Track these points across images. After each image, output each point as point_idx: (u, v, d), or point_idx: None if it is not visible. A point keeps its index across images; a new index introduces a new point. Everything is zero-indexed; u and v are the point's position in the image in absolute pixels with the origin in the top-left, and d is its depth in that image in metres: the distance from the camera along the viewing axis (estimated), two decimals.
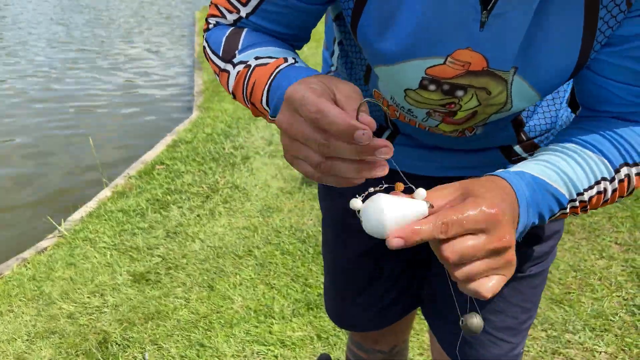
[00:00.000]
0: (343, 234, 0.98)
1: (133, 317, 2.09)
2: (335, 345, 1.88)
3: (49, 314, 2.15)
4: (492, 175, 0.57)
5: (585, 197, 0.60)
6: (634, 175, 0.62)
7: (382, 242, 0.49)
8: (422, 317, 1.01)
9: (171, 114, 5.33)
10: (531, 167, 0.59)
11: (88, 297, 2.24)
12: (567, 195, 0.60)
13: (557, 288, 2.14)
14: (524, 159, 0.80)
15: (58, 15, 12.44)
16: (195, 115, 4.65)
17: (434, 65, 0.60)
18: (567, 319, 1.97)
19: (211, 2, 0.72)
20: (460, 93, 0.63)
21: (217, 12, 0.71)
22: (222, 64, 0.69)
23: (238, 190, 3.12)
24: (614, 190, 0.62)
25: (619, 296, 2.09)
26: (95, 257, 2.53)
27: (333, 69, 0.86)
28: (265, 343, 1.91)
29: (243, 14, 0.68)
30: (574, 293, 2.11)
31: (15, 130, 4.85)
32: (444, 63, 0.60)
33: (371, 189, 0.54)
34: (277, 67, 0.61)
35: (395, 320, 1.04)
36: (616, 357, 1.80)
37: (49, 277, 2.39)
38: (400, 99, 0.68)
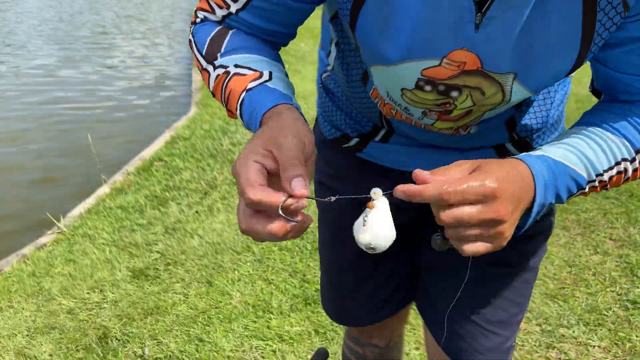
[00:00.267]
0: (340, 233, 0.99)
1: (132, 312, 2.11)
2: (332, 340, 1.90)
3: (48, 309, 2.17)
4: (515, 158, 0.61)
5: (605, 177, 0.64)
6: None
7: None
8: (418, 312, 1.03)
9: (169, 111, 5.33)
10: (554, 151, 0.63)
11: (87, 293, 2.26)
12: (586, 177, 0.63)
13: (551, 283, 2.17)
14: None
15: (55, 10, 12.40)
16: (193, 112, 4.65)
17: (430, 67, 0.62)
18: (561, 313, 2.00)
19: None
20: (455, 94, 0.64)
21: (207, 7, 0.72)
22: (204, 63, 0.71)
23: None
24: (634, 170, 0.66)
25: (612, 291, 2.11)
26: (94, 253, 2.54)
27: (329, 68, 0.87)
28: (264, 338, 1.93)
29: (233, 9, 0.69)
30: (568, 288, 2.14)
31: (13, 127, 4.85)
32: (440, 65, 0.61)
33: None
34: (250, 83, 0.65)
35: (390, 314, 1.06)
36: (609, 351, 1.82)
37: (48, 273, 2.41)
38: (397, 97, 0.70)
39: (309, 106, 4.35)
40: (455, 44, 0.59)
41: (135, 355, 1.89)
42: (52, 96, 5.78)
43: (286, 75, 0.70)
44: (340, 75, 0.82)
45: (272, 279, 2.26)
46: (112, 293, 2.25)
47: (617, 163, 0.64)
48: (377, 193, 0.57)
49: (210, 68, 0.70)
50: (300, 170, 0.52)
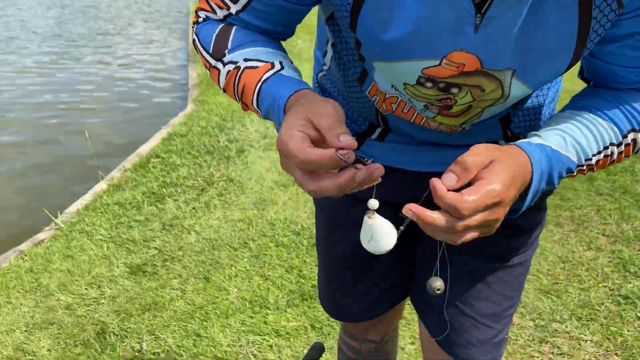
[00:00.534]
0: (337, 230, 1.01)
1: (130, 308, 2.12)
2: (328, 334, 1.92)
3: (47, 305, 2.18)
4: (517, 146, 0.63)
5: (593, 161, 0.67)
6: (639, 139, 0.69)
7: None
8: (413, 308, 1.05)
9: (166, 107, 5.34)
10: (551, 138, 0.65)
11: (85, 289, 2.27)
12: (576, 162, 0.66)
13: (545, 279, 2.19)
14: None
15: (51, 7, 12.33)
16: (190, 109, 4.66)
17: (430, 67, 0.63)
18: (554, 308, 2.02)
19: None
20: (455, 90, 0.66)
21: (207, 7, 0.73)
22: (212, 61, 0.73)
23: (233, 183, 3.15)
24: (619, 153, 0.69)
25: (605, 286, 2.14)
26: (92, 249, 2.55)
27: (325, 68, 0.89)
28: (261, 333, 1.95)
29: (233, 10, 0.71)
30: (561, 284, 2.16)
31: (11, 124, 4.84)
32: (439, 64, 0.62)
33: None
34: (265, 74, 0.67)
35: (386, 310, 1.08)
36: (601, 345, 1.85)
37: (46, 269, 2.42)
38: (401, 89, 0.71)
39: None
40: (454, 45, 0.60)
41: (133, 350, 1.91)
42: (49, 91, 5.77)
43: (292, 62, 0.73)
44: (337, 74, 0.83)
45: (269, 275, 2.28)
46: (110, 289, 2.26)
47: (605, 147, 0.67)
48: (374, 205, 0.59)
49: (219, 65, 0.72)
50: (345, 128, 0.54)
